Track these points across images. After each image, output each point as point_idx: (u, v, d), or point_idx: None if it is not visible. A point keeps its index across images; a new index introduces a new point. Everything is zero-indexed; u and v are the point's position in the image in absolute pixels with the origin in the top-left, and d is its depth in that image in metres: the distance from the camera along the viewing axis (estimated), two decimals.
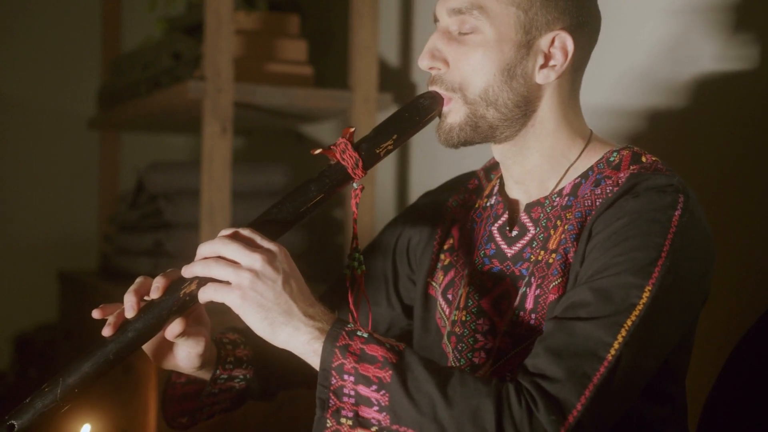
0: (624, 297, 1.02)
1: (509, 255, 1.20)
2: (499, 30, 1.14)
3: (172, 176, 2.39)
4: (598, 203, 1.13)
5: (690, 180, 1.48)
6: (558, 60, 1.16)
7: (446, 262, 1.29)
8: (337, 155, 1.13)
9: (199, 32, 2.22)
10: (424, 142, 2.26)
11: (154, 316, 1.06)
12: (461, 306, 1.22)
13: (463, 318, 1.22)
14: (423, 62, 1.18)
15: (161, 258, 2.32)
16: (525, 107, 1.16)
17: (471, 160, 1.52)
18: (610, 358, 0.99)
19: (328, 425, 1.01)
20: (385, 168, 2.37)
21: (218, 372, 1.20)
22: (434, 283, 1.29)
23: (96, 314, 1.10)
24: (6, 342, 3.05)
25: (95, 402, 2.33)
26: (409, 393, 0.98)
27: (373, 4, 2.20)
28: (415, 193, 2.18)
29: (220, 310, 1.10)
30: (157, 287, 1.07)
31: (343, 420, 1.00)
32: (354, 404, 1.00)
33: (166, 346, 1.15)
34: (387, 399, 0.99)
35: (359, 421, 1.00)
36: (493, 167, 1.33)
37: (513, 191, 1.24)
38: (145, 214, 2.42)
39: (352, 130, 1.14)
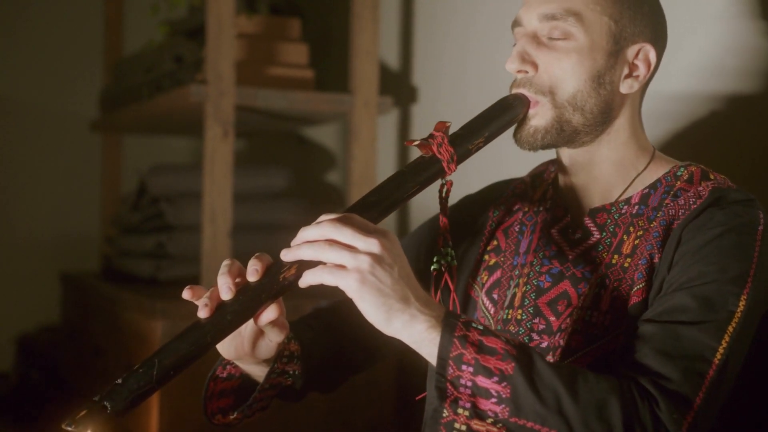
0: (723, 304, 1.06)
1: (570, 257, 1.23)
2: (592, 38, 1.18)
3: (174, 179, 2.40)
4: (681, 213, 1.16)
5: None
6: (641, 71, 1.21)
7: (491, 263, 1.31)
8: (434, 148, 1.12)
9: (200, 36, 2.24)
10: None
11: (252, 300, 1.02)
12: (516, 305, 1.24)
13: (519, 317, 1.23)
14: (512, 65, 1.20)
15: (163, 260, 2.33)
16: (607, 115, 1.20)
17: (471, 161, 1.52)
18: (716, 361, 1.03)
19: (444, 415, 1.01)
20: (385, 168, 2.38)
21: (276, 365, 1.16)
22: (476, 284, 1.32)
23: (186, 295, 1.06)
24: (8, 343, 3.06)
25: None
26: (534, 385, 0.98)
27: (373, 7, 2.21)
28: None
29: None
30: (255, 269, 1.03)
31: (460, 410, 1.00)
32: (471, 395, 1.00)
33: (243, 335, 1.11)
34: (509, 391, 0.99)
35: (476, 412, 1.00)
36: (538, 175, 1.37)
37: (574, 196, 1.27)
38: (147, 216, 2.43)
39: (449, 124, 1.14)
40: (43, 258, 3.15)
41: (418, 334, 1.01)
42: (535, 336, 1.21)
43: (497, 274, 1.30)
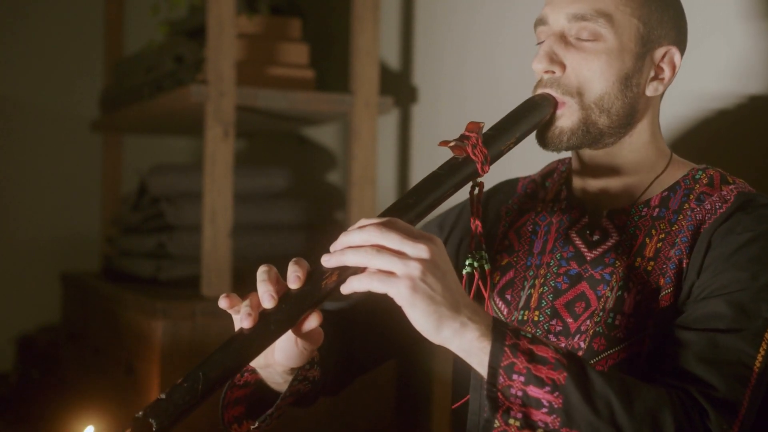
0: (757, 311, 1.07)
1: (588, 258, 1.22)
2: (622, 39, 1.17)
3: (175, 179, 2.40)
4: (708, 217, 1.16)
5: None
6: (666, 74, 1.21)
7: (504, 263, 1.30)
8: (469, 150, 1.10)
9: (201, 36, 2.24)
10: (423, 142, 2.27)
11: (295, 308, 0.99)
12: (532, 306, 1.23)
13: (535, 318, 1.22)
14: (540, 65, 1.19)
15: (163, 260, 2.33)
16: (631, 117, 1.20)
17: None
18: (756, 369, 1.04)
19: (495, 425, 1.01)
20: (386, 168, 2.38)
21: (299, 372, 1.12)
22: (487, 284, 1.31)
23: (223, 304, 1.03)
24: (8, 343, 3.06)
25: (98, 404, 2.34)
26: (588, 395, 0.97)
27: (374, 8, 2.21)
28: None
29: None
30: (297, 277, 1.00)
31: (511, 421, 0.99)
32: (521, 405, 0.98)
33: (278, 342, 1.06)
34: (561, 401, 0.97)
35: (528, 423, 0.98)
36: (548, 174, 1.36)
37: (592, 197, 1.26)
38: (147, 216, 2.43)
39: (482, 124, 1.13)
40: (44, 258, 3.15)
41: (469, 342, 0.98)
42: (552, 338, 1.21)
43: (510, 274, 1.28)
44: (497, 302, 1.28)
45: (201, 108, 2.09)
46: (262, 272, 1.02)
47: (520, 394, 0.98)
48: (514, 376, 0.98)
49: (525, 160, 1.48)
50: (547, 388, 0.97)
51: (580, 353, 1.17)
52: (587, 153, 1.24)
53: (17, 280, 3.13)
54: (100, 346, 2.44)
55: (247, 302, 1.01)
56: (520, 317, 1.24)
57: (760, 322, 1.07)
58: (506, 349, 0.98)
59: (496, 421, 1.00)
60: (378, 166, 2.29)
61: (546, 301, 1.23)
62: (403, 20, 2.35)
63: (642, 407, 0.98)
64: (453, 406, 1.23)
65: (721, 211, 1.16)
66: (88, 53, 3.16)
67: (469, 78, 2.09)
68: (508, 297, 1.27)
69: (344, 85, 2.34)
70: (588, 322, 1.18)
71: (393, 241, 0.97)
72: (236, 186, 2.19)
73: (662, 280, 1.15)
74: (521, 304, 1.25)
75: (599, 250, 1.22)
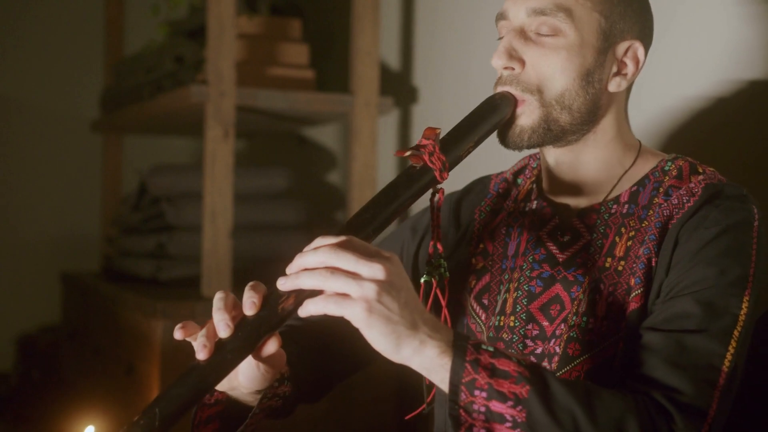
0: (726, 308, 1.05)
1: (561, 260, 1.19)
2: (582, 34, 1.14)
3: (175, 179, 2.40)
4: (676, 212, 1.13)
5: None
6: (630, 69, 1.18)
7: (479, 267, 1.27)
8: (425, 157, 1.08)
9: (201, 36, 2.24)
10: None
11: (251, 335, 0.97)
12: (508, 311, 1.21)
13: (511, 323, 1.20)
14: (499, 61, 1.16)
15: (163, 260, 2.34)
16: (594, 113, 1.17)
17: (471, 161, 1.52)
18: (725, 368, 1.02)
19: None
20: (386, 169, 2.38)
21: (267, 391, 1.10)
22: (464, 290, 1.28)
23: (178, 335, 1.02)
24: (9, 343, 3.06)
25: (98, 404, 2.34)
26: (550, 409, 0.96)
27: (374, 8, 2.21)
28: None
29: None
30: (252, 303, 0.98)
31: None
32: (485, 421, 0.97)
33: (240, 366, 1.05)
34: (524, 415, 0.96)
35: None
36: (520, 171, 1.33)
37: (561, 196, 1.24)
38: (147, 216, 2.44)
39: (438, 131, 1.11)
40: (44, 258, 3.15)
41: (429, 360, 0.97)
42: (529, 342, 1.18)
43: (486, 278, 1.25)
44: (475, 307, 1.25)
45: (201, 108, 2.09)
46: (217, 300, 1.00)
47: (483, 409, 0.96)
48: (476, 392, 0.96)
49: (504, 153, 1.47)
50: (510, 403, 0.96)
51: (556, 358, 1.15)
52: (552, 151, 1.21)
53: (18, 280, 3.13)
54: (100, 346, 2.44)
55: (203, 332, 0.99)
56: (496, 323, 1.21)
57: (729, 320, 1.04)
58: (467, 364, 0.96)
59: None
60: (378, 166, 2.29)
61: (521, 305, 1.20)
62: (404, 20, 2.35)
63: (606, 416, 0.97)
64: (406, 417, 1.21)
65: (689, 205, 1.13)
66: (88, 53, 3.16)
67: (470, 78, 2.09)
68: (485, 302, 1.24)
69: (344, 86, 2.34)
70: (562, 326, 1.16)
71: (347, 262, 0.94)
72: (236, 186, 2.19)
73: (633, 281, 1.12)
74: (498, 309, 1.22)
75: (571, 251, 1.19)
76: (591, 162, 1.20)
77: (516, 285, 1.21)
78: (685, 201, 1.14)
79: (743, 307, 1.05)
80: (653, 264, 1.12)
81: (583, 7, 1.14)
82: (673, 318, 1.05)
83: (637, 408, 0.98)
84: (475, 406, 0.97)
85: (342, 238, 0.97)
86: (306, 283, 0.96)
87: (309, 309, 0.96)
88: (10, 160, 3.12)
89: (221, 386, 1.08)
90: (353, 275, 0.94)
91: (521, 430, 0.96)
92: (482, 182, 1.37)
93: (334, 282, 0.94)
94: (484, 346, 0.99)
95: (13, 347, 3.05)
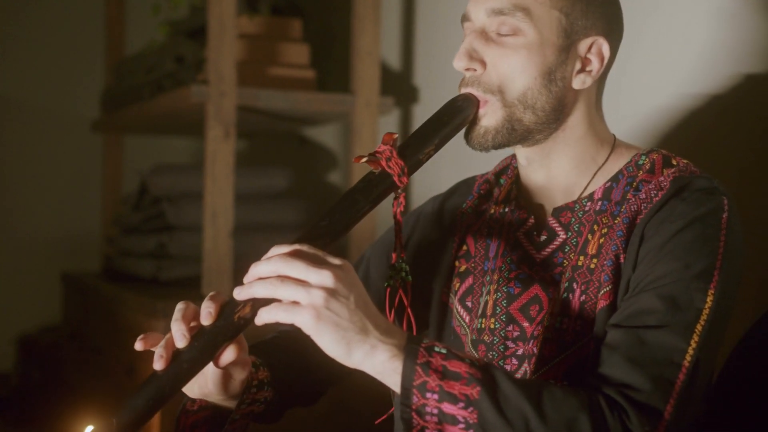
0: (690, 302, 1.03)
1: (538, 260, 1.19)
2: (542, 33, 1.13)
3: (175, 179, 2.40)
4: (643, 207, 1.12)
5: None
6: (594, 65, 1.16)
7: (462, 269, 1.27)
8: (383, 163, 1.08)
9: (202, 36, 2.24)
10: None
11: (208, 344, 0.98)
12: (488, 313, 1.21)
13: (492, 325, 1.20)
14: (460, 63, 1.16)
15: (164, 260, 2.33)
16: (560, 111, 1.16)
17: (472, 162, 1.52)
18: (686, 364, 1.01)
19: None
20: None
21: (244, 397, 1.12)
22: (450, 291, 1.28)
23: (139, 346, 1.04)
24: (9, 343, 3.06)
25: (98, 404, 2.34)
26: (500, 409, 0.96)
27: (375, 8, 2.21)
28: (416, 195, 2.19)
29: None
30: (209, 312, 1.00)
31: None
32: (437, 423, 0.97)
33: (205, 375, 1.07)
34: (475, 416, 0.96)
35: None
36: (503, 171, 1.32)
37: (536, 196, 1.23)
38: (148, 216, 2.44)
39: (395, 136, 1.10)
40: (45, 258, 3.15)
41: (381, 364, 0.97)
42: (510, 344, 1.18)
43: (469, 280, 1.25)
44: (459, 310, 1.25)
45: (202, 108, 2.09)
46: (177, 310, 1.02)
47: (435, 411, 0.97)
48: (428, 395, 0.96)
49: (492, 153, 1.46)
50: (461, 404, 0.96)
51: (533, 359, 1.15)
52: (523, 151, 1.20)
53: (18, 280, 3.13)
54: (100, 346, 2.44)
55: (162, 343, 1.00)
56: (478, 325, 1.21)
57: (691, 314, 1.02)
58: (418, 367, 0.96)
59: None
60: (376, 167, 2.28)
61: (500, 307, 1.20)
62: (404, 20, 2.35)
63: (557, 415, 0.96)
64: (376, 422, 1.21)
65: (657, 199, 1.11)
66: (88, 53, 3.16)
67: None
68: (469, 304, 1.24)
69: (345, 86, 2.34)
70: (540, 326, 1.15)
71: (297, 270, 0.96)
72: (237, 186, 2.19)
73: (603, 278, 1.11)
74: (480, 311, 1.22)
75: (547, 250, 1.19)
76: (562, 160, 1.19)
77: (495, 287, 1.21)
78: (653, 195, 1.13)
79: (708, 300, 1.03)
80: (621, 260, 1.11)
81: (542, 6, 1.13)
82: (636, 314, 1.04)
83: (591, 406, 0.97)
84: (428, 409, 0.97)
85: (295, 246, 0.98)
86: (259, 291, 0.97)
87: (263, 317, 0.97)
88: (10, 160, 3.12)
89: (194, 394, 1.10)
90: (302, 283, 0.96)
91: (474, 431, 0.96)
92: (466, 183, 1.37)
93: (284, 290, 0.96)
94: (437, 349, 0.99)
95: (14, 347, 3.05)
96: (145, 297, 2.09)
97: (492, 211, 1.28)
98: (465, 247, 1.28)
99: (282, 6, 2.47)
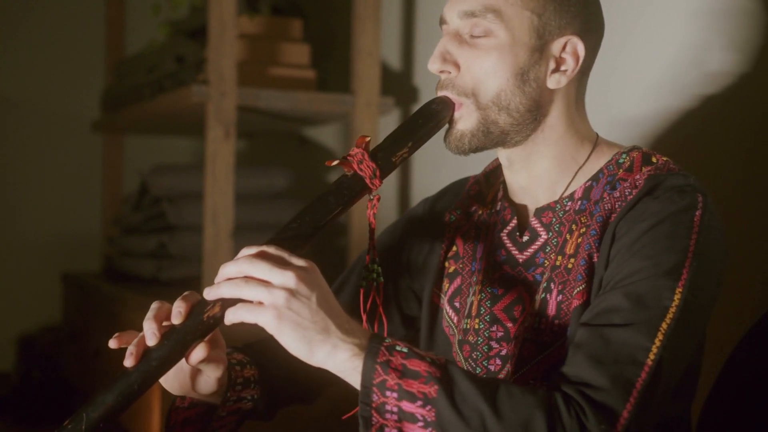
0: (657, 300, 1.02)
1: (521, 261, 1.19)
2: (514, 34, 1.13)
3: (176, 179, 2.40)
4: (618, 206, 1.12)
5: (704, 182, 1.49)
6: (569, 65, 1.15)
7: (451, 270, 1.27)
8: (354, 165, 1.09)
9: (202, 36, 2.24)
10: (426, 145, 2.27)
11: (177, 343, 1.01)
12: (473, 314, 1.21)
13: (476, 326, 1.20)
14: (433, 66, 1.16)
15: (164, 260, 2.34)
16: (536, 112, 1.15)
17: (474, 163, 1.53)
18: (650, 362, 1.00)
19: None
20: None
21: (229, 394, 1.14)
22: (440, 292, 1.29)
23: (113, 344, 1.05)
24: (9, 343, 3.06)
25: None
26: (457, 407, 0.96)
27: (375, 8, 2.22)
28: (418, 196, 2.19)
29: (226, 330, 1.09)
30: (179, 312, 1.02)
31: None
32: (397, 421, 0.98)
33: (184, 372, 1.10)
34: (433, 414, 0.96)
35: None
36: (492, 172, 1.33)
37: (520, 196, 1.23)
38: (148, 216, 2.44)
39: (368, 139, 1.11)
40: (45, 258, 3.15)
41: (342, 363, 0.99)
42: (494, 344, 1.18)
43: (457, 281, 1.26)
44: (448, 311, 1.26)
45: (202, 108, 2.09)
46: (151, 309, 1.04)
47: (395, 410, 0.98)
48: (388, 393, 0.97)
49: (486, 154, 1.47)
50: (419, 402, 0.97)
51: (514, 360, 1.15)
52: (503, 153, 1.20)
53: (18, 280, 3.13)
54: (100, 346, 2.44)
55: (135, 341, 1.02)
56: (464, 326, 1.22)
57: (658, 312, 1.01)
58: (377, 366, 0.98)
59: None
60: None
61: (484, 308, 1.20)
62: (405, 20, 2.35)
63: (513, 413, 0.96)
64: (343, 417, 1.22)
65: (630, 197, 1.11)
66: (89, 53, 3.16)
67: None
68: (457, 305, 1.25)
69: (345, 86, 2.34)
70: (521, 327, 1.16)
71: (261, 270, 0.98)
72: (237, 186, 2.20)
73: (577, 277, 1.11)
74: (466, 311, 1.23)
75: (530, 251, 1.19)
76: (543, 160, 1.19)
77: (480, 288, 1.22)
78: (627, 194, 1.12)
79: (675, 299, 1.02)
80: (595, 260, 1.11)
81: (513, 7, 1.13)
82: (603, 312, 1.03)
83: (549, 404, 0.97)
84: (388, 407, 0.98)
85: (261, 248, 1.01)
86: (225, 292, 0.99)
87: (230, 317, 1.00)
88: (11, 160, 3.12)
89: (175, 391, 1.12)
90: (265, 283, 0.98)
91: (432, 428, 0.97)
92: (458, 184, 1.37)
93: (248, 290, 0.98)
94: (398, 348, 1.00)
95: (14, 347, 3.05)
96: (146, 297, 2.09)
97: (480, 212, 1.29)
98: (455, 248, 1.29)
99: (282, 6, 2.47)
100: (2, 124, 3.12)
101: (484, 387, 0.98)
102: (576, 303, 1.10)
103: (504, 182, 1.27)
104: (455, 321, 1.25)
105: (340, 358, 0.99)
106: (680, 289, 1.03)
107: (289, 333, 0.97)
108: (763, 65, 1.46)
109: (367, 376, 0.98)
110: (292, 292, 0.97)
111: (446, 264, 1.28)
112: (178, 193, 2.37)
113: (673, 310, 1.02)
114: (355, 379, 0.99)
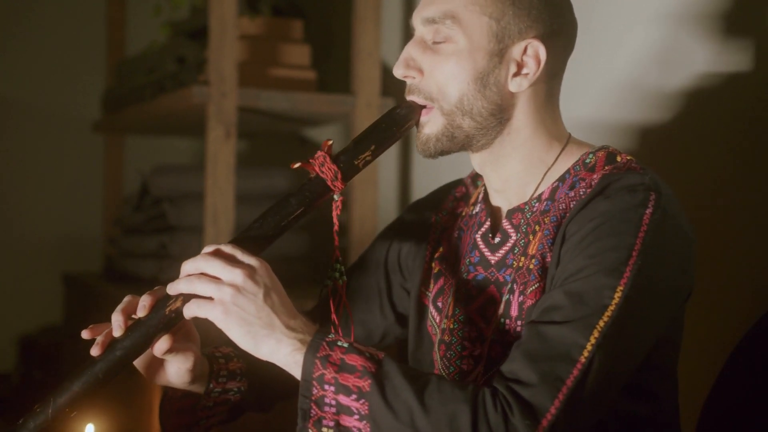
0: (596, 298, 1.03)
1: (493, 262, 1.21)
2: (472, 39, 1.15)
3: (177, 179, 2.40)
4: (572, 206, 1.13)
5: (686, 184, 1.49)
6: (530, 68, 1.16)
7: (436, 271, 1.30)
8: (316, 168, 1.14)
9: (203, 37, 2.24)
10: None
11: (141, 334, 1.08)
12: (449, 314, 1.24)
13: (451, 326, 1.23)
14: (397, 71, 1.19)
15: (165, 261, 2.34)
16: (499, 115, 1.17)
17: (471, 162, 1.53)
18: (583, 360, 1.00)
19: None
20: (388, 170, 2.38)
21: (211, 386, 1.21)
22: (427, 292, 1.31)
23: (86, 335, 1.13)
24: (10, 344, 3.06)
25: (99, 402, 2.34)
26: (388, 401, 1.00)
27: (375, 9, 2.22)
28: (418, 196, 2.19)
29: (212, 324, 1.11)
30: (143, 305, 1.09)
31: (324, 429, 1.02)
32: (335, 413, 1.02)
33: (157, 363, 1.17)
34: (366, 408, 1.01)
35: (340, 429, 1.02)
36: (479, 174, 1.34)
37: (494, 198, 1.25)
38: (149, 217, 2.44)
39: (330, 142, 1.15)
40: (46, 258, 3.15)
41: (284, 357, 1.04)
42: (467, 344, 1.20)
43: (440, 282, 1.28)
44: (432, 311, 1.29)
45: (203, 109, 2.09)
46: (122, 303, 1.11)
47: (333, 403, 1.02)
48: (326, 386, 1.02)
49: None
50: (354, 396, 1.01)
51: (483, 360, 1.17)
52: (473, 157, 1.22)
53: (19, 280, 3.13)
54: None
55: (104, 332, 1.10)
56: (443, 326, 1.25)
57: (596, 310, 1.02)
58: (317, 361, 1.02)
59: (310, 431, 1.03)
60: (379, 166, 2.29)
61: (459, 308, 1.22)
62: (405, 21, 2.35)
63: (440, 408, 0.99)
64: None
65: (583, 197, 1.12)
66: (90, 54, 3.16)
67: None
68: (440, 305, 1.27)
69: (346, 86, 2.34)
70: (491, 328, 1.17)
71: (214, 268, 1.05)
72: (238, 187, 2.20)
73: (531, 278, 1.13)
74: (446, 312, 1.25)
75: (501, 252, 1.21)
76: (511, 162, 1.20)
77: (455, 288, 1.24)
78: (581, 194, 1.13)
79: (615, 297, 1.03)
80: (548, 259, 1.12)
81: (471, 12, 1.15)
82: (545, 311, 1.05)
83: (475, 400, 0.99)
84: (327, 400, 1.02)
85: (217, 246, 1.07)
86: (183, 287, 1.06)
87: (186, 312, 1.06)
88: (11, 161, 3.12)
89: (160, 381, 1.18)
90: (215, 280, 1.04)
91: (367, 422, 1.01)
92: (449, 186, 1.39)
93: (200, 286, 1.05)
94: (339, 343, 1.04)
95: (15, 347, 3.05)
96: None
97: (463, 214, 1.31)
98: (441, 249, 1.31)
99: (283, 7, 2.47)
100: (2, 124, 3.12)
101: (415, 381, 1.01)
102: (529, 303, 1.12)
103: (486, 185, 1.28)
104: (437, 321, 1.27)
105: (283, 353, 1.04)
106: (621, 288, 1.03)
107: (236, 327, 1.03)
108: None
109: (307, 369, 1.03)
110: (238, 289, 1.04)
111: (432, 264, 1.31)
112: (179, 194, 2.37)
113: (611, 308, 1.02)
114: (297, 373, 1.04)
